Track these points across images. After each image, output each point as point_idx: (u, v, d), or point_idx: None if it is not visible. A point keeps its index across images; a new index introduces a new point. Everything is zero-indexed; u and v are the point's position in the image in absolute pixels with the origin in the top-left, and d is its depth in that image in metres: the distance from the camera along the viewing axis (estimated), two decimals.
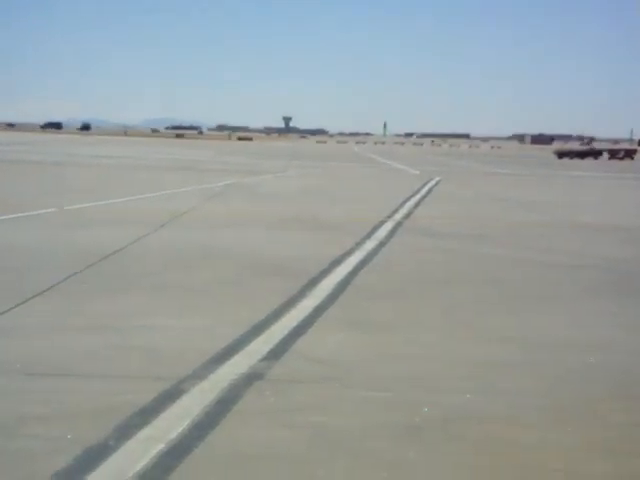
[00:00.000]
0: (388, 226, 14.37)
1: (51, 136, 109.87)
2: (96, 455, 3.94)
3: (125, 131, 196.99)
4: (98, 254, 9.83)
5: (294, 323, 6.75)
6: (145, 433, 4.23)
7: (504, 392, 5.20)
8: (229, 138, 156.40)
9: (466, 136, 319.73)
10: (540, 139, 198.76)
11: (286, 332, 6.43)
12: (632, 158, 77.33)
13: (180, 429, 4.28)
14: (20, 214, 13.93)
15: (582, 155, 78.08)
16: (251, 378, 5.21)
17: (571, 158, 75.40)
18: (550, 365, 5.89)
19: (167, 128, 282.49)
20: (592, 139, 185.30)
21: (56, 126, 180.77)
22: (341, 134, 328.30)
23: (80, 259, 9.46)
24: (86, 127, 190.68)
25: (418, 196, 22.18)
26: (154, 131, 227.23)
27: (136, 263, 9.59)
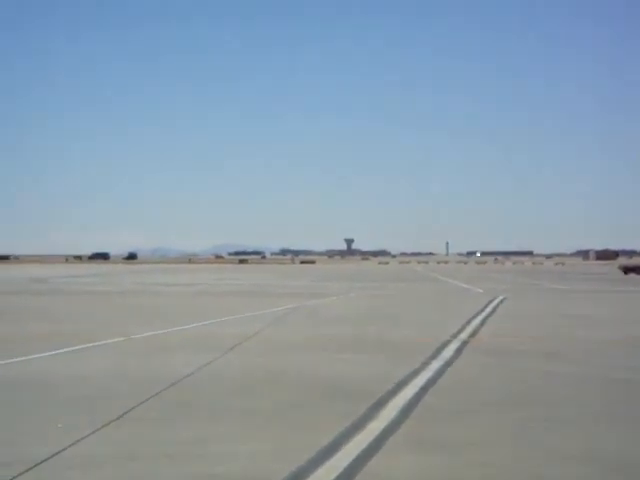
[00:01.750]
0: (454, 346, 14.26)
1: (120, 267, 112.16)
2: None
3: (189, 258, 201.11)
4: (166, 381, 9.96)
5: (361, 446, 6.70)
6: None
7: None
8: (292, 262, 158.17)
9: (529, 253, 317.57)
10: (605, 254, 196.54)
11: (354, 456, 6.39)
12: None
13: None
14: (90, 344, 14.23)
15: None
16: None
17: (638, 273, 74.23)
18: None
19: (230, 254, 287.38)
20: None
21: (103, 256, 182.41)
22: (403, 254, 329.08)
23: (148, 387, 9.58)
24: (132, 256, 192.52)
25: (483, 314, 22.01)
26: (218, 257, 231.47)
27: (203, 389, 9.66)
